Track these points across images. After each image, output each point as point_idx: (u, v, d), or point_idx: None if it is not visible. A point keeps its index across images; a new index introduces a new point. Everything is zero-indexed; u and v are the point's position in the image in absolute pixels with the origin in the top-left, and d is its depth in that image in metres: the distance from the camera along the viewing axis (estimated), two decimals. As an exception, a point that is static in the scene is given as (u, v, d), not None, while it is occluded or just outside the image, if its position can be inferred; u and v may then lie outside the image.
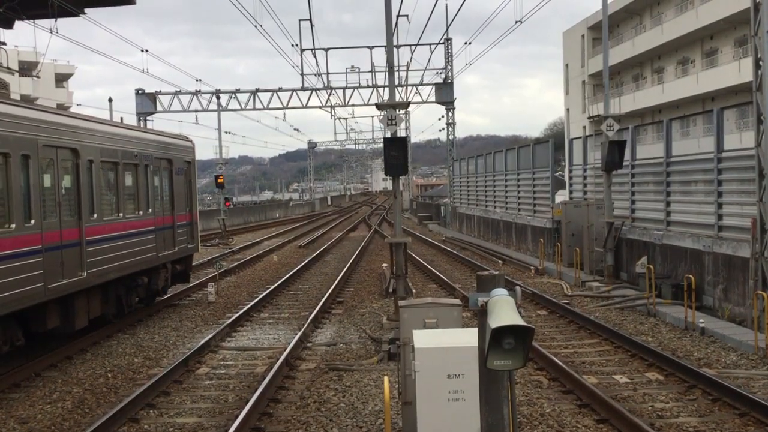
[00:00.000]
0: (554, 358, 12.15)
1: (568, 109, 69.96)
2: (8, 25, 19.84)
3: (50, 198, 13.17)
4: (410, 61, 69.58)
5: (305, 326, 15.64)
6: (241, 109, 47.05)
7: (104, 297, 15.72)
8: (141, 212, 17.05)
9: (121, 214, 16.02)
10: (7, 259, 11.63)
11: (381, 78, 45.60)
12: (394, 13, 22.32)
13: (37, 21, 20.16)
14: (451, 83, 48.18)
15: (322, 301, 18.88)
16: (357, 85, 46.16)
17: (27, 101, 13.60)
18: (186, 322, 17.39)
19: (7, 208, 11.80)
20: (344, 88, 46.18)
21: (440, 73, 48.81)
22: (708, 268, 17.00)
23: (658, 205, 20.67)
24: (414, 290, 19.10)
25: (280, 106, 47.06)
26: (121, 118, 22.91)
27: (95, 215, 14.72)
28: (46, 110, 14.34)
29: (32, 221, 12.42)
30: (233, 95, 46.79)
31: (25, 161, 12.31)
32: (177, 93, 46.25)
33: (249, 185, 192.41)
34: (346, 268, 25.74)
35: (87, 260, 14.15)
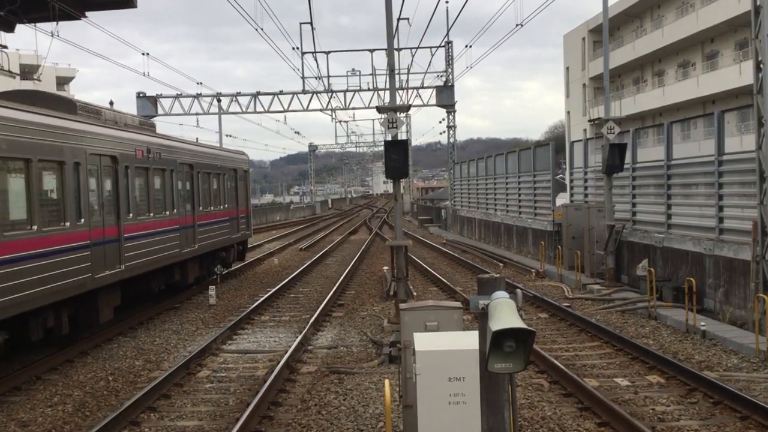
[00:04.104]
0: (555, 361, 12.14)
1: (568, 112, 69.98)
2: (9, 29, 19.86)
3: (181, 196, 20.18)
4: (411, 64, 69.54)
5: (306, 329, 15.63)
6: (242, 113, 47.07)
7: (200, 265, 22.50)
8: (222, 207, 24.12)
9: (211, 207, 22.97)
10: (164, 234, 18.55)
11: (382, 81, 45.68)
12: (395, 16, 22.33)
13: (38, 24, 20.18)
14: (452, 86, 48.16)
15: (323, 304, 18.87)
16: (358, 88, 46.14)
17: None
18: (187, 325, 17.39)
19: (164, 202, 18.88)
20: (345, 91, 46.16)
21: (441, 76, 48.84)
22: (709, 271, 17.00)
23: (658, 208, 20.67)
24: (415, 293, 19.09)
25: (281, 109, 47.04)
26: (197, 138, 28.52)
27: (201, 207, 21.75)
28: (177, 139, 21.66)
29: (174, 210, 19.52)
30: (234, 98, 46.80)
31: (171, 173, 19.50)
32: (178, 96, 46.27)
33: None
34: (347, 271, 25.73)
35: (197, 237, 21.15)
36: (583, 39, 64.99)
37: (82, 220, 14.17)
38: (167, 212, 18.92)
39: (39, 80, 54.00)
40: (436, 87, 47.78)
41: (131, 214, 16.48)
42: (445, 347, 7.06)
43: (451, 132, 50.96)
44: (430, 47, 45.25)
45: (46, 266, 12.66)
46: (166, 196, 19.00)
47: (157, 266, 18.09)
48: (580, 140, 29.26)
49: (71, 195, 13.76)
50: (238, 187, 26.25)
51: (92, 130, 15.17)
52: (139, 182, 17.33)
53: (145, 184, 17.66)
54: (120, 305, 16.50)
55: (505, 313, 4.35)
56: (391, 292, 18.53)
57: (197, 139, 28.57)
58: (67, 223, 13.59)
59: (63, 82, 76.62)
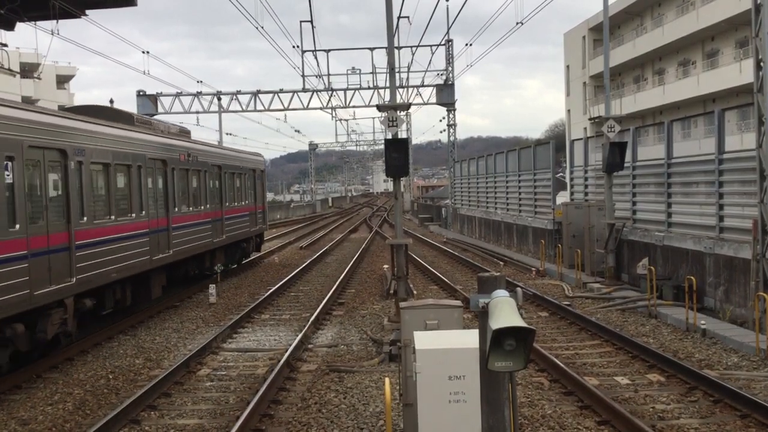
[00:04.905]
0: (555, 360, 12.14)
1: (569, 111, 69.95)
2: (10, 27, 19.84)
3: (213, 193, 23.42)
4: (411, 62, 69.46)
5: (306, 328, 15.63)
6: (243, 111, 47.02)
7: (226, 254, 25.62)
8: (244, 203, 27.36)
9: (236, 203, 26.13)
10: (200, 225, 21.74)
11: (382, 79, 45.61)
12: (395, 14, 22.32)
13: (38, 22, 20.15)
14: (452, 85, 48.13)
15: (323, 302, 18.87)
16: (358, 86, 46.12)
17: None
18: (187, 323, 17.39)
19: (200, 198, 21.94)
20: (345, 90, 46.16)
21: (441, 74, 48.81)
22: (709, 270, 17.00)
23: (659, 207, 20.67)
24: (415, 292, 19.08)
25: (281, 107, 46.97)
26: (219, 141, 34.16)
27: (227, 203, 24.88)
28: (207, 144, 25.84)
29: (208, 205, 22.73)
30: (234, 97, 46.76)
31: (205, 173, 22.57)
32: (178, 95, 46.22)
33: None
34: (347, 270, 25.73)
35: (225, 229, 24.31)
36: (584, 37, 64.95)
37: (143, 212, 17.44)
38: (202, 207, 22.23)
39: (39, 78, 53.96)
40: (437, 85, 47.75)
41: (177, 208, 19.83)
42: (446, 346, 7.05)
43: (452, 130, 50.94)
44: (431, 46, 45.33)
45: (119, 248, 15.83)
46: (202, 193, 22.29)
47: (195, 253, 21.38)
48: (581, 139, 29.25)
49: (136, 192, 17.10)
50: (256, 186, 29.65)
51: (149, 139, 18.47)
52: (182, 182, 20.61)
53: (186, 183, 21.02)
54: (165, 285, 19.49)
55: (505, 312, 4.35)
56: (392, 291, 18.53)
57: (219, 141, 31.65)
58: (134, 215, 16.89)
59: (63, 80, 76.39)
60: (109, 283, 15.39)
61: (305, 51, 42.01)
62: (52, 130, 13.26)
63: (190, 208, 21.02)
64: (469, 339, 6.92)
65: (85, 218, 14.17)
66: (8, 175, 11.72)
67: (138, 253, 16.78)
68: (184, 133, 23.19)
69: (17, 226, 11.81)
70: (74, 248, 13.55)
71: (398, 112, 16.02)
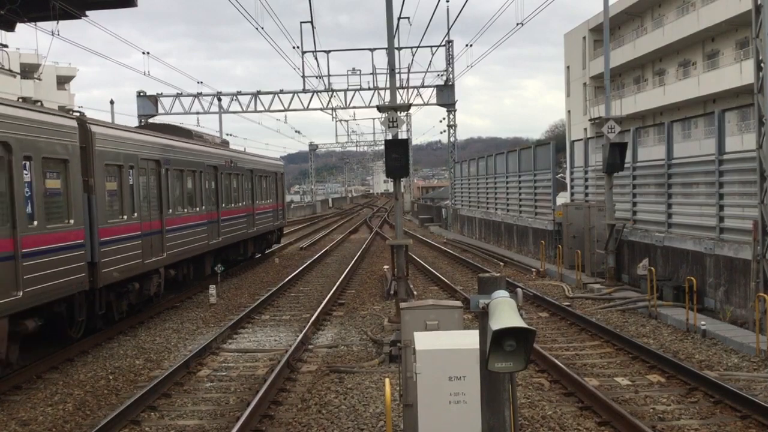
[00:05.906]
0: (555, 361, 12.14)
1: (569, 111, 69.93)
2: (10, 28, 19.86)
3: (246, 192, 27.84)
4: (411, 63, 69.49)
5: (306, 328, 15.63)
6: (243, 111, 46.95)
7: (255, 243, 29.97)
8: (269, 201, 32.02)
9: (262, 201, 30.58)
10: (239, 219, 26.41)
11: (382, 80, 45.57)
12: (395, 15, 22.30)
13: (38, 23, 20.16)
14: (452, 85, 48.08)
15: (324, 303, 18.87)
16: (358, 87, 46.03)
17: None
18: (187, 324, 17.39)
19: (238, 197, 26.61)
20: (345, 90, 46.10)
21: (441, 75, 48.78)
22: (709, 270, 16.99)
23: (659, 207, 20.66)
24: (415, 292, 19.10)
25: (282, 108, 46.87)
26: (244, 148, 38.54)
27: (256, 201, 29.23)
28: (240, 152, 30.25)
29: (244, 203, 27.29)
30: (234, 97, 46.71)
31: (241, 176, 27.20)
32: (178, 95, 46.18)
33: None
34: (347, 270, 25.72)
35: (255, 222, 28.87)
36: (584, 38, 64.94)
37: (203, 207, 22.17)
38: (241, 204, 26.83)
39: (39, 79, 53.96)
40: (437, 86, 47.71)
41: (224, 204, 24.51)
42: (446, 346, 7.05)
43: (452, 131, 50.91)
44: (431, 46, 45.16)
45: (190, 234, 20.58)
46: (240, 193, 26.97)
47: (235, 241, 26.06)
48: (581, 139, 29.24)
49: (198, 191, 21.88)
50: (278, 186, 34.52)
51: (206, 150, 23.27)
52: (226, 183, 25.22)
53: (230, 185, 25.69)
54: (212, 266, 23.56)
55: (505, 312, 4.35)
56: (392, 291, 18.55)
57: (245, 148, 36.49)
58: (197, 209, 21.61)
59: (63, 81, 76.30)
60: (182, 259, 20.01)
61: (305, 52, 42.02)
62: (152, 145, 18.28)
63: (232, 205, 25.72)
64: (469, 340, 6.92)
65: (170, 210, 19.09)
66: (131, 179, 16.65)
67: (200, 238, 21.66)
68: (225, 143, 29.00)
69: (135, 215, 16.78)
70: (165, 232, 18.54)
71: (398, 112, 16.03)
